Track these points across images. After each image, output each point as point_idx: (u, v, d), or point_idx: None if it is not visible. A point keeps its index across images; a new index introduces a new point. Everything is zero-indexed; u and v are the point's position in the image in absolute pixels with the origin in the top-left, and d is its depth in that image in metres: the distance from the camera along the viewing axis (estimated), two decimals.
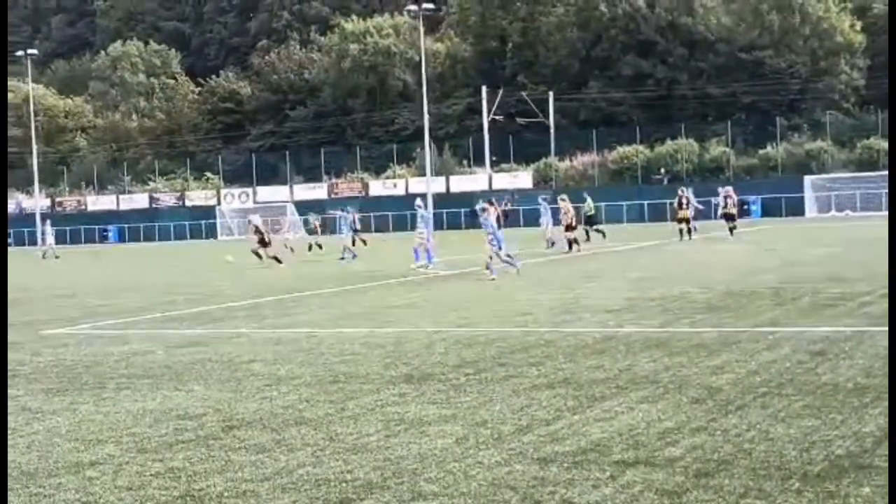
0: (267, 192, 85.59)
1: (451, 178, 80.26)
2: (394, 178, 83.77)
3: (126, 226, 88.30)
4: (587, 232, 37.31)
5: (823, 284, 16.99)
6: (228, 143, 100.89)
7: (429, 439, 7.05)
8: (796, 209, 68.42)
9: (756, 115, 79.93)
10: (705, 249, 31.02)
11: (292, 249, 40.86)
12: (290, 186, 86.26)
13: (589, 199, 39.47)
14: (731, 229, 37.06)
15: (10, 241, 78.93)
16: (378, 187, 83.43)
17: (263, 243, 32.29)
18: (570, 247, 31.50)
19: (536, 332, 12.67)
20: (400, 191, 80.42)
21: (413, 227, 34.26)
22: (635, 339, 11.63)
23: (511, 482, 5.91)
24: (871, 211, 63.27)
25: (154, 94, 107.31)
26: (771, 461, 6.12)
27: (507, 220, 71.14)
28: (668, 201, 61.07)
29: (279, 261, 31.41)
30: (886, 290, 14.83)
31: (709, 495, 5.52)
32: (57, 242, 54.91)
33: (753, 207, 68.60)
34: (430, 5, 75.73)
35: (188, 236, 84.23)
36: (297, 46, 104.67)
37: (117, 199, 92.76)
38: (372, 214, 75.61)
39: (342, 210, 37.37)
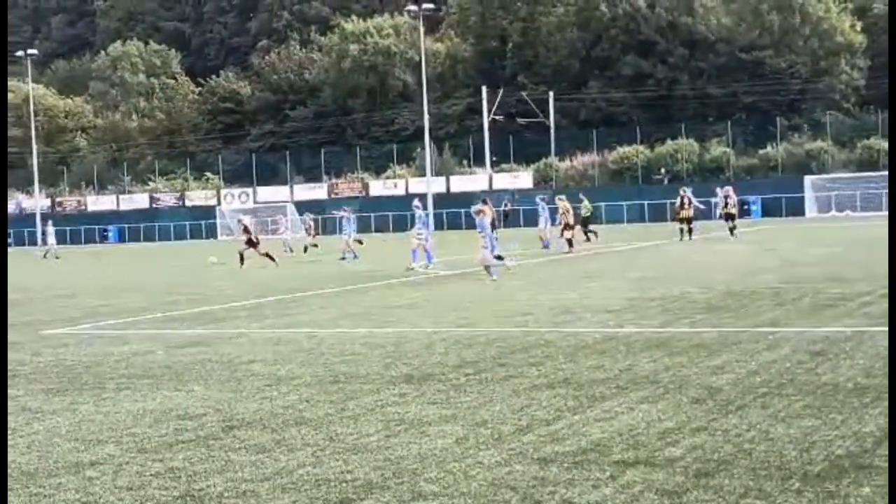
0: (267, 193, 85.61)
1: (452, 178, 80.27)
2: (394, 178, 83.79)
3: (126, 226, 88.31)
4: (585, 232, 37.27)
5: (824, 284, 16.99)
6: (228, 143, 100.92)
7: (429, 439, 7.05)
8: (796, 209, 68.43)
9: (756, 115, 79.95)
10: (705, 249, 31.02)
11: (291, 249, 40.85)
12: (291, 187, 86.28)
13: (586, 200, 39.35)
14: (731, 229, 37.04)
15: (10, 241, 78.93)
16: (378, 187, 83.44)
17: (251, 243, 32.12)
18: (570, 246, 31.48)
19: (537, 332, 12.67)
20: (400, 191, 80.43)
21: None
22: (635, 339, 11.63)
23: (511, 482, 5.91)
24: (871, 211, 63.27)
25: (154, 94, 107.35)
26: (771, 461, 6.12)
27: (508, 220, 71.32)
28: (668, 201, 61.12)
29: (272, 258, 31.35)
30: (886, 291, 14.83)
31: (709, 495, 5.51)
32: (58, 243, 54.89)
33: (754, 207, 68.61)
34: (430, 5, 75.77)
35: (188, 236, 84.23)
36: (298, 46, 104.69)
37: (117, 199, 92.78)
38: (372, 215, 75.64)
39: (344, 210, 37.32)
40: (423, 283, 22.11)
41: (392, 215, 75.42)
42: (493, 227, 24.18)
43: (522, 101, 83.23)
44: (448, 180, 79.57)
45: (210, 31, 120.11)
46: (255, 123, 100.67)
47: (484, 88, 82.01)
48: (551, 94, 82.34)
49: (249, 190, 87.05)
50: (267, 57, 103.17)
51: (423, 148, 76.27)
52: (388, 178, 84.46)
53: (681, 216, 38.06)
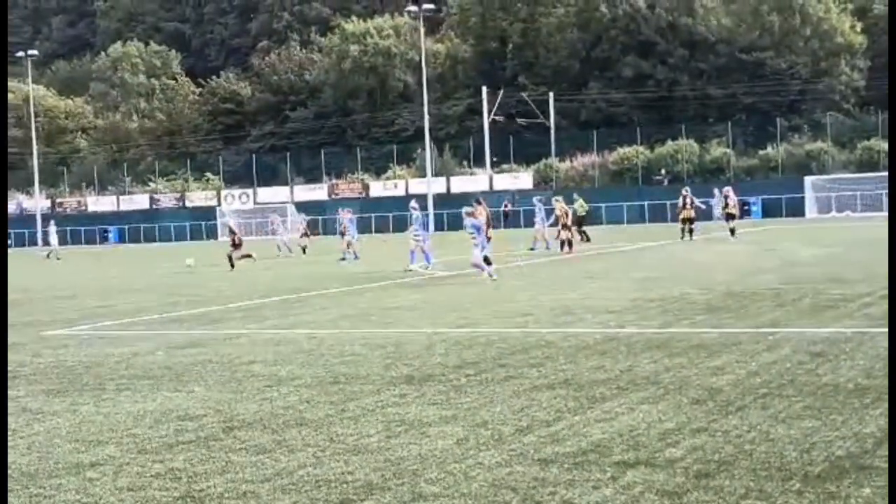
0: (267, 193, 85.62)
1: (452, 178, 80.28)
2: (394, 178, 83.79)
3: (126, 226, 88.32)
4: (580, 232, 37.18)
5: (824, 285, 16.99)
6: (229, 143, 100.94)
7: (429, 440, 7.05)
8: (797, 210, 68.43)
9: (756, 115, 79.96)
10: (706, 250, 31.02)
11: (290, 250, 40.84)
12: (291, 187, 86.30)
13: (581, 199, 39.15)
14: (731, 230, 37.06)
15: (10, 241, 78.94)
16: (378, 188, 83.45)
17: (234, 244, 32.08)
18: (570, 246, 31.46)
19: (537, 332, 12.66)
20: (400, 192, 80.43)
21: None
22: (636, 339, 11.63)
23: (511, 483, 5.91)
24: (871, 211, 63.27)
25: (154, 95, 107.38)
26: (771, 462, 6.12)
27: (508, 220, 71.26)
28: (668, 202, 61.13)
29: (251, 256, 31.30)
30: (887, 292, 14.83)
31: (709, 496, 5.52)
32: (59, 243, 54.90)
33: (754, 208, 68.62)
34: (431, 6, 75.77)
35: (188, 237, 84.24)
36: (298, 47, 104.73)
37: (118, 199, 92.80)
38: (372, 215, 75.63)
39: (346, 211, 37.28)
40: (423, 284, 22.12)
41: (392, 216, 75.42)
42: (488, 227, 24.21)
43: (522, 101, 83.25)
44: (448, 181, 79.57)
45: (210, 31, 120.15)
46: (256, 124, 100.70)
47: (484, 89, 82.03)
48: (551, 94, 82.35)
49: (250, 191, 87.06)
50: (267, 58, 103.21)
51: (424, 149, 76.28)
52: (388, 178, 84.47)
53: (682, 216, 38.11)
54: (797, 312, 13.59)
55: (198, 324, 15.70)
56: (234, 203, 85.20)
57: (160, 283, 26.59)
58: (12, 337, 14.64)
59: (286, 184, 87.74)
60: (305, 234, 42.92)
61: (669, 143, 77.48)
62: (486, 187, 77.10)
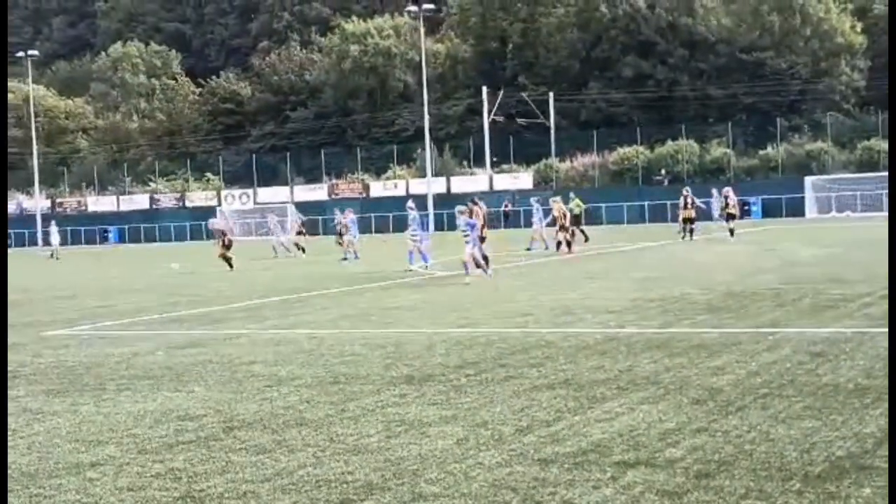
0: (267, 193, 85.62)
1: (452, 178, 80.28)
2: (394, 178, 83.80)
3: (127, 226, 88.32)
4: (582, 232, 37.12)
5: (824, 285, 16.98)
6: (229, 143, 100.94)
7: (429, 440, 7.05)
8: (797, 210, 68.43)
9: (756, 115, 79.95)
10: (706, 250, 31.02)
11: (287, 249, 40.82)
12: (291, 187, 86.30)
13: (577, 199, 38.90)
14: (730, 230, 37.06)
15: (10, 241, 78.93)
16: (379, 188, 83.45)
17: (223, 244, 31.98)
18: (569, 247, 31.44)
19: (537, 332, 12.67)
20: (400, 192, 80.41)
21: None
22: (636, 339, 11.63)
23: (512, 483, 5.91)
24: (871, 212, 63.26)
25: (155, 95, 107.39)
26: (772, 462, 6.13)
27: (508, 220, 71.06)
28: (668, 202, 61.12)
29: (227, 260, 31.25)
30: (887, 292, 14.82)
31: (709, 496, 5.52)
32: (60, 243, 54.93)
33: (754, 208, 68.60)
34: (431, 6, 75.77)
35: (189, 237, 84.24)
36: (298, 47, 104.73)
37: (118, 199, 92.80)
38: (372, 215, 75.63)
39: (348, 211, 37.28)
40: (424, 284, 22.12)
41: (392, 216, 75.40)
42: (483, 227, 24.29)
43: (523, 101, 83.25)
44: (448, 181, 79.57)
45: (211, 32, 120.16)
46: (256, 124, 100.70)
47: (484, 89, 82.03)
48: (551, 94, 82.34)
49: (250, 191, 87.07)
50: (267, 58, 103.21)
51: (424, 149, 76.28)
52: (388, 178, 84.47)
53: (683, 216, 38.12)
54: (797, 312, 13.59)
55: (198, 324, 15.70)
56: (234, 203, 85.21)
57: (160, 284, 26.58)
58: (13, 337, 14.64)
59: (286, 184, 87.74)
60: (301, 233, 42.60)
61: (669, 143, 77.48)
62: (486, 187, 77.09)
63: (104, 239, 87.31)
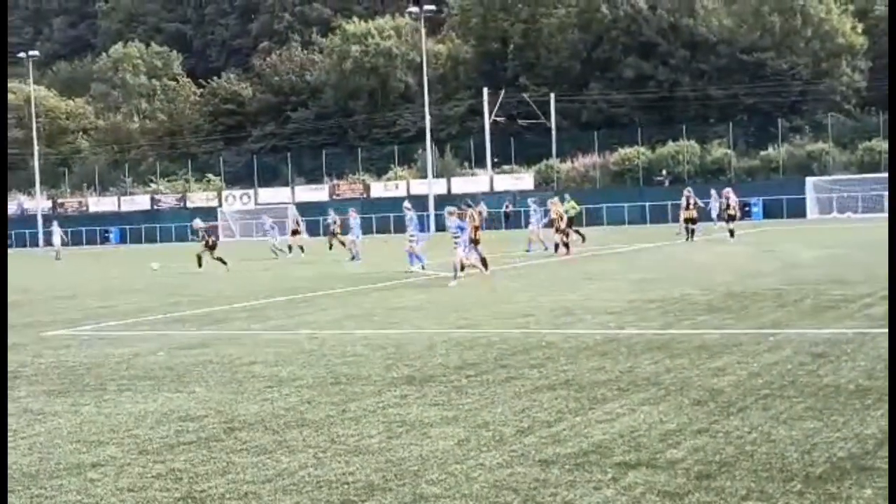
0: (268, 194, 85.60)
1: (453, 179, 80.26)
2: (395, 179, 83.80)
3: (128, 227, 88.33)
4: (577, 232, 37.07)
5: (825, 286, 16.98)
6: (230, 144, 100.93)
7: (430, 441, 7.05)
8: (797, 211, 68.36)
9: (757, 116, 79.92)
10: (706, 251, 31.01)
11: (281, 250, 40.82)
12: (292, 188, 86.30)
13: (573, 201, 38.69)
14: (730, 231, 37.08)
15: (10, 242, 78.91)
16: (379, 189, 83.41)
17: (207, 245, 31.97)
18: (567, 248, 31.41)
19: (538, 333, 12.67)
20: (401, 192, 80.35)
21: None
22: (636, 340, 11.62)
23: (512, 484, 5.91)
24: (872, 213, 63.22)
25: (155, 96, 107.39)
26: (773, 463, 6.12)
27: (509, 221, 70.95)
28: (669, 203, 61.10)
29: (199, 265, 31.22)
30: (887, 292, 14.81)
31: (710, 497, 5.52)
32: (61, 244, 54.91)
33: (755, 209, 68.56)
34: (432, 7, 75.73)
35: (189, 238, 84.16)
36: (299, 48, 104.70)
37: (119, 200, 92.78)
38: (373, 216, 75.63)
39: (352, 210, 37.28)
40: (424, 285, 22.12)
41: (393, 216, 75.38)
42: (477, 230, 24.33)
43: (524, 102, 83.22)
44: (449, 182, 79.55)
45: (211, 32, 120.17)
46: (257, 125, 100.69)
47: (485, 90, 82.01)
48: (552, 95, 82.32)
49: (251, 191, 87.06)
50: (268, 58, 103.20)
51: (425, 149, 76.26)
52: (389, 179, 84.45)
53: (685, 216, 38.13)
54: (798, 313, 13.59)
55: (199, 324, 15.71)
56: (235, 204, 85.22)
57: (161, 284, 26.59)
58: (13, 338, 14.64)
59: (287, 184, 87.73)
60: (296, 233, 42.39)
61: (670, 143, 77.44)
62: (486, 188, 77.07)
63: (105, 239, 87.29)
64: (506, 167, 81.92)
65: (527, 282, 21.65)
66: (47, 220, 74.98)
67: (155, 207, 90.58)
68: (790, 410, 7.54)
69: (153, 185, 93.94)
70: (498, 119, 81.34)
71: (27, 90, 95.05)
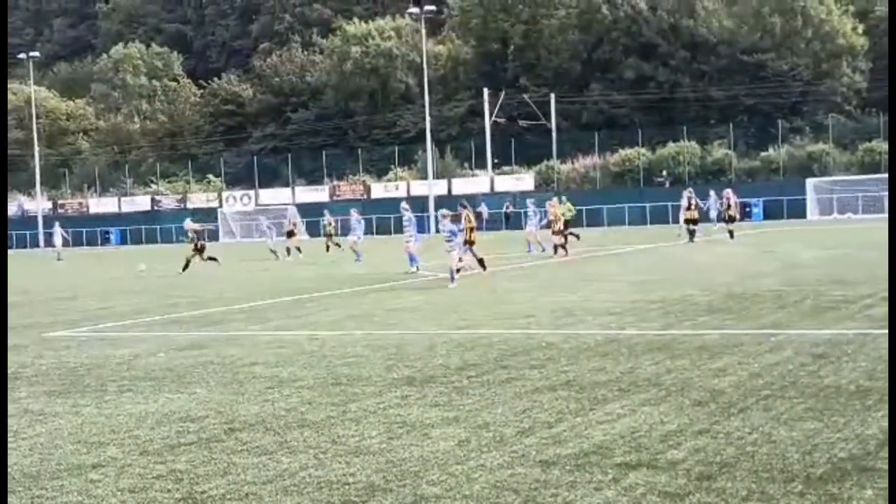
0: (269, 195, 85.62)
1: (453, 180, 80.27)
2: (395, 180, 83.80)
3: (128, 228, 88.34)
4: (572, 233, 37.04)
5: (826, 287, 16.97)
6: (230, 145, 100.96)
7: (431, 442, 7.05)
8: (798, 212, 68.34)
9: (758, 117, 79.92)
10: (707, 252, 31.01)
11: (277, 253, 40.82)
12: (292, 189, 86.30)
13: (568, 203, 38.60)
14: (730, 232, 37.10)
15: (11, 243, 78.90)
16: (380, 189, 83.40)
17: (196, 248, 31.82)
18: (564, 250, 31.39)
19: (538, 334, 12.66)
20: (402, 193, 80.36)
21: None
22: (637, 341, 11.62)
23: (513, 485, 5.91)
24: (872, 213, 63.21)
25: (156, 97, 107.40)
26: (773, 464, 6.12)
27: (510, 222, 70.93)
28: (669, 204, 61.06)
29: (185, 268, 31.12)
30: (888, 293, 14.81)
31: (711, 498, 5.51)
32: (62, 245, 54.92)
33: (755, 210, 68.54)
34: (432, 8, 75.71)
35: (178, 238, 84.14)
36: (299, 49, 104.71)
37: (119, 201, 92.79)
38: (373, 217, 75.64)
39: (354, 211, 37.27)
40: (424, 286, 22.12)
41: (394, 217, 75.34)
42: (472, 232, 24.35)
43: (524, 103, 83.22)
44: (450, 183, 79.55)
45: (212, 33, 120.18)
46: (257, 126, 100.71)
47: (485, 91, 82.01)
48: (553, 96, 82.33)
49: (251, 192, 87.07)
50: (268, 59, 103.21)
51: (425, 150, 76.26)
52: (389, 180, 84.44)
53: (687, 217, 38.14)
54: (799, 314, 13.59)
55: (199, 325, 15.71)
56: (235, 204, 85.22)
57: (161, 285, 26.58)
58: (14, 339, 14.64)
59: (287, 185, 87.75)
60: (291, 234, 42.26)
61: (671, 144, 77.44)
62: (487, 189, 77.07)
63: (105, 240, 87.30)
64: (506, 168, 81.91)
65: (527, 283, 21.65)
66: (48, 221, 74.97)
67: (155, 208, 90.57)
68: (791, 411, 7.54)
69: (153, 186, 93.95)
70: (498, 120, 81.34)
71: (28, 91, 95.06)
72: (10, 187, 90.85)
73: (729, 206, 38.24)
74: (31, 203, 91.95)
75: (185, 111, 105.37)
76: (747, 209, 63.79)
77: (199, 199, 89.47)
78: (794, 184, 70.51)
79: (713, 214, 46.12)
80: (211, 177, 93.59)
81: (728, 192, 39.51)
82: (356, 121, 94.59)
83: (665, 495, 5.58)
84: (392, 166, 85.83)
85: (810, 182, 70.14)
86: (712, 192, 43.79)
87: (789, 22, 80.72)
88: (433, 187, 74.71)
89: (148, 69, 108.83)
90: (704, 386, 8.69)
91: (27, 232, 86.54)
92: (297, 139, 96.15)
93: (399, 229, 71.31)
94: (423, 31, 76.08)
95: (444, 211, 23.85)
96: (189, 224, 33.36)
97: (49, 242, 61.87)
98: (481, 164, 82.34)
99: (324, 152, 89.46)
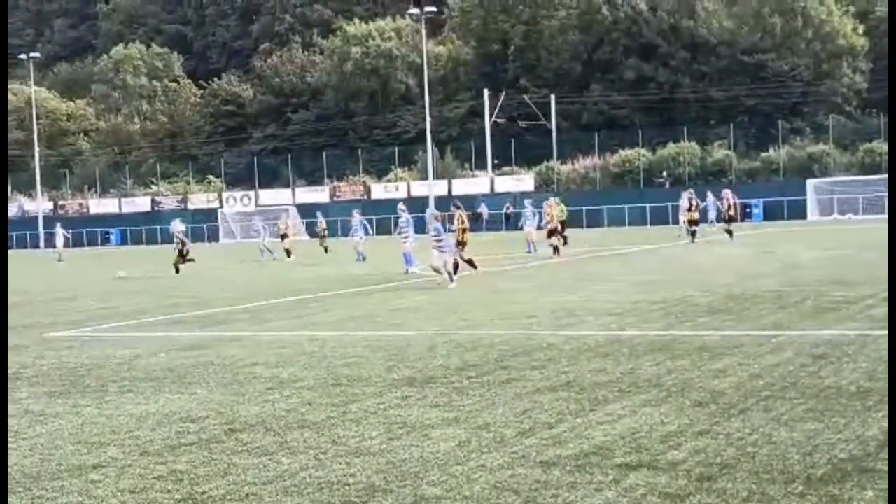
0: (269, 195, 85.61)
1: (454, 181, 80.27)
2: (396, 181, 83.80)
3: (128, 228, 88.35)
4: (563, 235, 36.97)
5: (826, 288, 16.97)
6: (230, 145, 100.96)
7: (431, 442, 7.05)
8: (798, 212, 68.33)
9: (758, 118, 79.91)
10: (707, 252, 31.00)
11: (271, 251, 40.80)
12: (293, 189, 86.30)
13: (562, 205, 38.41)
14: (729, 232, 37.11)
15: (11, 243, 78.91)
16: (380, 190, 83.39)
17: (181, 254, 31.76)
18: (557, 251, 31.38)
19: (539, 335, 12.66)
20: (402, 194, 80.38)
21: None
22: (638, 342, 11.62)
23: (514, 486, 5.91)
24: (873, 214, 63.20)
25: (156, 97, 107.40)
26: (774, 465, 6.12)
27: (510, 222, 70.92)
28: (669, 204, 61.04)
29: (177, 270, 31.14)
30: (888, 294, 14.81)
31: (711, 499, 5.51)
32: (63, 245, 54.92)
33: (755, 210, 68.53)
34: (432, 8, 75.71)
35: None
36: (300, 49, 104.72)
37: (119, 201, 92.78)
38: (374, 217, 75.63)
39: (356, 211, 37.25)
40: (424, 287, 22.11)
41: (394, 218, 75.27)
42: (464, 232, 24.36)
43: (524, 103, 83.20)
44: (450, 183, 79.54)
45: (212, 34, 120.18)
46: (257, 126, 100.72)
47: (486, 91, 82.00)
48: (553, 97, 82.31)
49: (251, 192, 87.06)
50: (269, 60, 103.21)
51: (425, 151, 76.25)
52: (389, 181, 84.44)
53: (688, 217, 38.17)
54: (799, 315, 13.59)
55: (200, 326, 15.71)
56: (235, 205, 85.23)
57: (161, 285, 26.58)
58: (14, 339, 14.64)
59: (288, 186, 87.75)
60: (283, 236, 42.30)
61: (671, 145, 77.43)
62: (487, 190, 77.09)
63: (106, 241, 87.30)
64: (506, 169, 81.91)
65: (528, 283, 21.64)
66: (48, 221, 74.98)
67: (155, 209, 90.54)
68: (791, 412, 7.54)
69: (154, 187, 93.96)
70: (498, 120, 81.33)
71: (28, 92, 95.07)
72: (11, 188, 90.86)
73: (729, 207, 38.26)
74: (31, 203, 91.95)
75: (185, 112, 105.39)
76: (748, 210, 63.79)
77: (199, 199, 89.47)
78: (794, 184, 70.50)
79: (711, 215, 46.14)
80: (211, 177, 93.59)
81: (727, 192, 39.52)
82: (356, 121, 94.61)
83: (665, 496, 5.58)
84: (392, 167, 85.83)
85: (811, 183, 70.12)
86: (710, 193, 43.74)
87: (789, 22, 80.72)
88: (433, 188, 74.70)
89: (148, 70, 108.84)
90: (705, 387, 8.69)
91: (27, 232, 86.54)
92: (297, 140, 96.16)
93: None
94: (424, 32, 76.07)
95: (434, 212, 23.85)
96: (177, 226, 33.36)
97: (50, 243, 61.89)
98: (481, 165, 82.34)
99: (324, 153, 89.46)
